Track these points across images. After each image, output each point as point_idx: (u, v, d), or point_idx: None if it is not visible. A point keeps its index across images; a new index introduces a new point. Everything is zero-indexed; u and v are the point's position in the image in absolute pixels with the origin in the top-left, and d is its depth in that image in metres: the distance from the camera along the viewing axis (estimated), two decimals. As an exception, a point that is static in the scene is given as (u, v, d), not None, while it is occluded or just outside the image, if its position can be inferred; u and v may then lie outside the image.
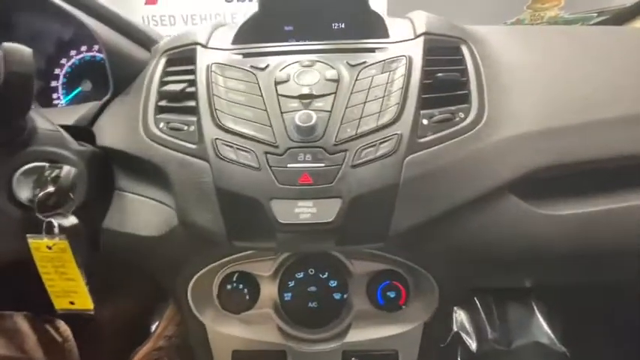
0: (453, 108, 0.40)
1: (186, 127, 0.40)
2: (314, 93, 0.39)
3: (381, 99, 0.39)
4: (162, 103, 0.44)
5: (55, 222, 0.36)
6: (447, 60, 0.44)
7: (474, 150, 0.39)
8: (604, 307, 0.79)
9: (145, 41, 0.54)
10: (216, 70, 0.42)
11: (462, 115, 0.40)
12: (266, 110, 0.39)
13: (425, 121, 0.39)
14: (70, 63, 0.59)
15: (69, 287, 0.38)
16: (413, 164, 0.36)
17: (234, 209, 0.37)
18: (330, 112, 0.38)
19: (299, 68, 0.41)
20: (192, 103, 0.41)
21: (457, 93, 0.41)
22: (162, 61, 0.48)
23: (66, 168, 0.37)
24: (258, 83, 0.41)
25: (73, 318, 0.61)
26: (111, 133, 0.45)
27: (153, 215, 0.42)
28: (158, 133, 0.41)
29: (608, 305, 0.78)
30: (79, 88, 0.58)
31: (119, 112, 0.47)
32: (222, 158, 0.37)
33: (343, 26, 0.56)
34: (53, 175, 0.37)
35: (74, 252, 0.37)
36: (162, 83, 0.45)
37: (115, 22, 0.51)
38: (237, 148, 0.37)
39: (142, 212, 0.43)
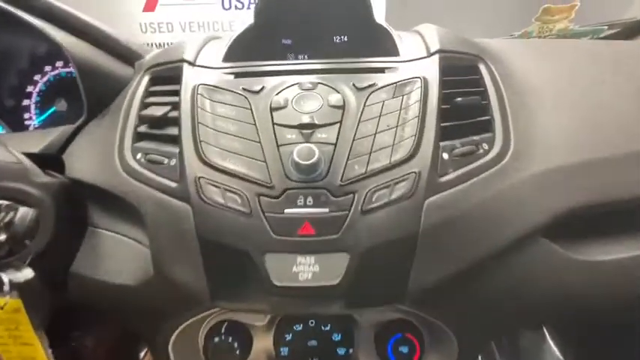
0: (476, 138, 0.34)
1: (166, 160, 0.34)
2: (316, 122, 0.33)
3: (394, 129, 0.33)
4: (142, 129, 0.38)
5: (6, 277, 0.30)
6: (465, 81, 0.38)
7: (502, 189, 0.33)
8: (619, 334, 0.74)
9: (128, 56, 0.47)
10: (203, 93, 0.36)
11: (485, 146, 0.34)
12: (259, 142, 0.32)
13: (445, 156, 0.33)
14: (44, 80, 0.52)
15: (26, 353, 0.31)
16: (434, 208, 0.30)
17: (219, 264, 0.31)
18: (335, 145, 0.32)
19: (298, 92, 0.35)
20: (174, 132, 0.35)
21: (479, 119, 0.35)
22: (146, 79, 0.42)
23: (22, 210, 0.31)
24: (251, 109, 0.34)
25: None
26: (83, 162, 0.39)
27: (129, 259, 0.36)
28: (135, 165, 0.35)
29: (624, 331, 0.72)
30: (54, 108, 0.52)
31: (94, 137, 0.41)
32: (206, 201, 0.31)
33: (346, 39, 0.50)
34: (7, 219, 0.30)
35: (30, 312, 0.30)
36: (144, 105, 0.39)
37: (92, 35, 0.45)
38: (225, 189, 0.31)
39: (116, 254, 0.37)
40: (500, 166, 0.33)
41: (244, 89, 0.36)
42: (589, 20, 0.84)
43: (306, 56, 0.49)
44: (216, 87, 0.36)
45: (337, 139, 0.32)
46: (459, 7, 1.35)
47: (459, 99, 0.36)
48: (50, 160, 0.39)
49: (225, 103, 0.35)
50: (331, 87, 0.35)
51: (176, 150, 0.34)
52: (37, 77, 0.52)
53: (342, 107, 0.34)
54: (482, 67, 0.40)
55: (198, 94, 0.36)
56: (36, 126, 0.52)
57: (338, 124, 0.33)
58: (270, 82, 0.37)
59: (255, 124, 0.33)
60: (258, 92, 0.36)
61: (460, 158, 0.33)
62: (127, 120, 0.38)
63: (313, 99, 0.34)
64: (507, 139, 0.35)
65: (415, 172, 0.31)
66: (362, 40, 0.46)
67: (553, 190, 0.34)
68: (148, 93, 0.41)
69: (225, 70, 0.39)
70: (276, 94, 0.35)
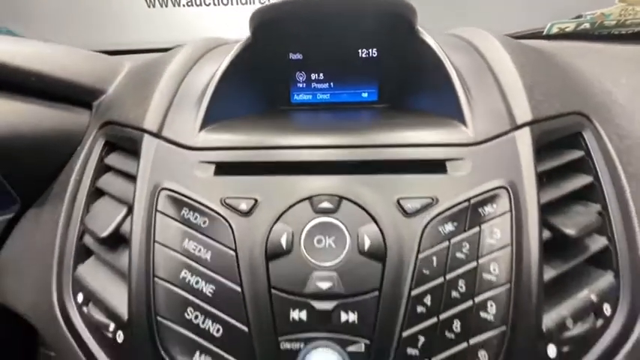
0: (592, 298, 0.20)
1: (111, 326, 0.21)
2: (339, 291, 0.19)
3: (469, 303, 0.18)
4: (88, 240, 0.24)
5: None
6: (569, 174, 0.23)
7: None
8: None
9: (82, 94, 0.32)
10: (163, 209, 0.21)
11: (607, 309, 0.20)
12: (247, 328, 0.19)
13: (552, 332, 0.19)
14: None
15: None
16: None
17: None
18: (371, 342, 0.18)
19: (311, 218, 0.20)
20: (124, 261, 0.22)
21: (594, 252, 0.21)
22: (100, 144, 0.27)
23: None
24: (235, 249, 0.20)
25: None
26: (14, 282, 0.27)
27: None
28: (72, 309, 0.23)
29: None
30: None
31: (30, 242, 0.28)
32: None
33: (375, 54, 0.33)
34: None
35: None
36: (92, 198, 0.26)
37: (25, 84, 0.29)
38: None
39: None
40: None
41: (226, 205, 0.21)
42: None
43: (321, 75, 0.34)
44: (184, 198, 0.22)
45: (375, 329, 0.18)
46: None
47: (566, 217, 0.20)
48: None
49: (195, 231, 0.21)
50: (362, 207, 0.20)
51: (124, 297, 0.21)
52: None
53: (383, 255, 0.19)
54: (588, 137, 0.24)
55: (157, 210, 0.21)
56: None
57: (376, 295, 0.18)
58: (265, 189, 0.21)
59: (240, 283, 0.19)
60: (246, 214, 0.21)
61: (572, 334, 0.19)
62: (69, 223, 0.25)
63: (334, 234, 0.20)
64: (638, 289, 0.20)
65: None
66: (396, 55, 0.30)
67: None
68: (101, 168, 0.27)
69: (199, 153, 0.24)
70: (275, 221, 0.20)
